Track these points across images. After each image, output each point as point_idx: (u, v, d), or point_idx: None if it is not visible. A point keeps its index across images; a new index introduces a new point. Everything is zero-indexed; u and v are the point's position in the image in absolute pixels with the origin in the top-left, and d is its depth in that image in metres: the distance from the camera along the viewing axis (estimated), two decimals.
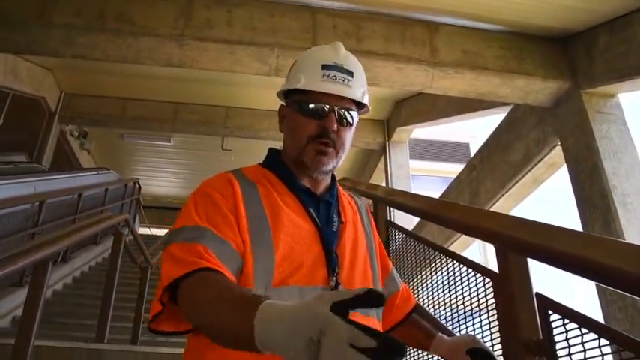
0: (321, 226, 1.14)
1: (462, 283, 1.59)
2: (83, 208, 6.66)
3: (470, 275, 1.55)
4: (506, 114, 5.61)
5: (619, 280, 0.96)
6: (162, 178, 12.11)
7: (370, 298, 0.64)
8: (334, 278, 1.09)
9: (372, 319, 1.16)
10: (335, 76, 1.14)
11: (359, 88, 1.18)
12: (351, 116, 1.17)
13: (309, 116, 1.15)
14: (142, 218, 10.89)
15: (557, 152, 4.78)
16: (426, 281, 2.06)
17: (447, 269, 1.74)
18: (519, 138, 5.20)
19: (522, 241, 1.23)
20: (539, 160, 4.94)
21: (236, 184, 1.12)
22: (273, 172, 1.20)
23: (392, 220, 3.27)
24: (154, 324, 1.01)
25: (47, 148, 8.33)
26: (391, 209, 3.68)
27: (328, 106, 1.14)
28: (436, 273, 1.86)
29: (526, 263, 1.29)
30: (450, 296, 1.68)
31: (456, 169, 7.13)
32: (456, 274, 1.64)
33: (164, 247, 1.04)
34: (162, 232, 7.31)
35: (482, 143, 5.98)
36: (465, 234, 1.51)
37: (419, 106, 7.01)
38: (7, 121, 7.36)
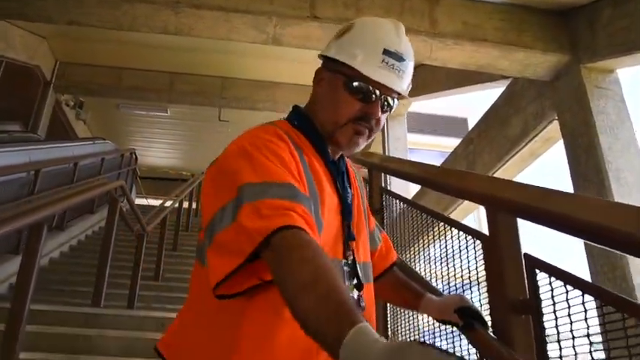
0: (344, 200, 1.13)
1: (452, 246, 1.61)
2: (79, 177, 6.64)
3: (460, 238, 1.56)
4: (504, 88, 5.58)
5: (606, 238, 0.97)
6: (159, 149, 12.08)
7: None
8: (350, 252, 1.10)
9: (370, 285, 1.18)
10: (393, 65, 1.09)
11: (407, 80, 1.14)
12: (393, 103, 1.14)
13: (354, 95, 1.10)
14: (139, 189, 10.90)
15: (555, 126, 4.77)
16: (419, 246, 2.07)
17: (439, 233, 1.75)
18: (518, 111, 5.19)
19: (512, 202, 1.24)
20: (537, 134, 4.94)
21: (290, 144, 1.06)
22: (305, 136, 1.15)
23: (388, 188, 3.28)
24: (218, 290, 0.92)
25: (42, 117, 8.28)
26: (386, 177, 3.69)
27: (378, 93, 1.10)
28: (428, 237, 1.88)
29: (515, 224, 1.30)
30: (441, 259, 1.69)
31: (453, 143, 7.11)
32: (447, 238, 1.66)
33: (238, 204, 0.91)
34: (158, 202, 7.32)
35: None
36: (459, 197, 1.53)
37: (417, 78, 6.94)
38: (1, 90, 7.29)
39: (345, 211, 1.12)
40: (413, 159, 7.73)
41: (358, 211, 1.20)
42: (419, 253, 2.06)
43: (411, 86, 1.17)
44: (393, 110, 1.16)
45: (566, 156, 4.51)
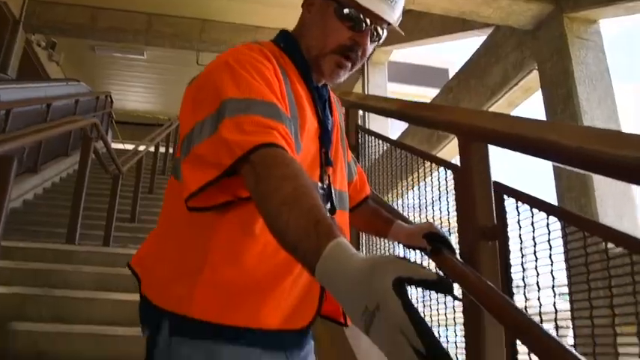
0: (324, 126, 1.11)
1: (424, 179, 1.62)
2: (52, 119, 6.47)
3: (433, 170, 1.57)
4: (486, 37, 5.54)
5: (574, 159, 0.98)
6: (136, 93, 11.82)
7: (439, 287, 0.61)
8: (327, 177, 1.10)
9: (345, 213, 1.18)
10: None
11: (399, 11, 1.11)
12: (382, 34, 1.11)
13: (344, 22, 1.06)
14: (115, 133, 10.72)
15: (534, 76, 4.77)
16: (393, 180, 2.09)
17: (412, 168, 1.76)
18: (498, 61, 5.17)
19: (484, 130, 1.25)
20: (516, 84, 4.94)
21: (275, 64, 1.03)
22: (290, 59, 1.11)
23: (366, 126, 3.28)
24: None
25: (12, 57, 7.96)
26: (365, 120, 3.67)
27: (369, 22, 1.06)
28: (402, 172, 1.89)
29: (487, 152, 1.31)
30: (413, 191, 1.71)
31: (434, 93, 7.10)
32: (419, 170, 1.67)
33: (219, 118, 0.89)
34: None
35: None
36: (433, 128, 1.53)
37: (400, 26, 6.85)
38: None
39: (325, 137, 1.11)
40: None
41: (337, 139, 1.19)
42: (393, 189, 2.08)
43: (401, 18, 1.14)
44: (381, 41, 1.14)
45: (543, 106, 4.54)
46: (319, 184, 1.08)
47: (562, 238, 1.05)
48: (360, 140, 2.51)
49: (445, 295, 0.68)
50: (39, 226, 4.82)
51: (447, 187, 1.49)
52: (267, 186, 0.81)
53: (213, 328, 0.94)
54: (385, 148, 2.33)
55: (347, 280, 0.64)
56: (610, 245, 0.92)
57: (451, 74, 10.91)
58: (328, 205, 1.11)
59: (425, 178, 1.66)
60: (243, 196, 0.94)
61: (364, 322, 0.60)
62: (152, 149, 7.25)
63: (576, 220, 1.02)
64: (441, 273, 0.66)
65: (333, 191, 1.12)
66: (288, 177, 0.81)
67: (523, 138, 1.11)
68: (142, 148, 6.47)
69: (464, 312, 1.36)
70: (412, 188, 1.79)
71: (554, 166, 3.83)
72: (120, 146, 10.43)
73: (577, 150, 0.95)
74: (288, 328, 1.01)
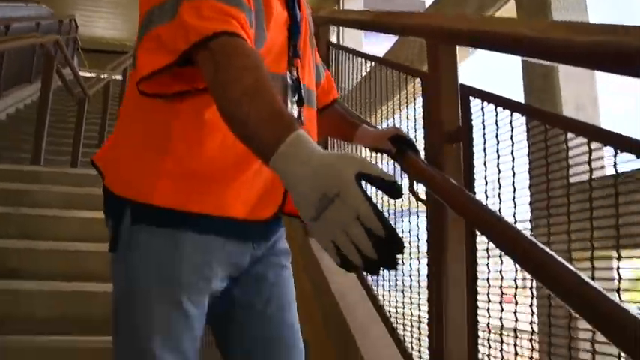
0: (293, 18, 1.07)
1: (393, 88, 1.61)
2: None
3: (402, 79, 1.56)
4: None
5: (540, 51, 0.98)
6: (102, 19, 11.27)
7: (391, 188, 0.63)
8: (294, 69, 1.07)
9: (313, 110, 1.17)
10: None
11: None
12: None
13: None
14: (82, 62, 10.30)
15: (510, 6, 4.69)
16: (364, 91, 2.07)
17: (381, 76, 1.75)
18: None
19: (450, 29, 1.24)
20: (493, 13, 4.88)
21: None
22: None
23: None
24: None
25: None
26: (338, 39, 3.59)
27: None
28: (371, 81, 1.88)
29: (454, 55, 1.30)
30: (382, 100, 1.70)
31: None
32: (388, 80, 1.66)
33: (177, 2, 0.85)
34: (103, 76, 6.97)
35: None
36: (403, 34, 1.51)
37: None
38: None
39: (293, 28, 1.08)
40: (367, 38, 7.55)
41: (305, 33, 1.16)
42: (363, 96, 2.05)
43: None
44: None
45: None
46: (288, 75, 1.06)
47: (526, 132, 1.06)
48: (331, 56, 2.46)
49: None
50: (2, 150, 4.68)
51: (414, 94, 1.48)
52: (227, 75, 0.79)
53: (175, 216, 0.95)
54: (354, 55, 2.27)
55: (306, 168, 0.65)
56: (570, 135, 0.94)
57: (427, 2, 10.63)
58: (296, 97, 1.09)
59: (394, 90, 1.65)
60: (199, 86, 0.92)
61: (316, 209, 0.62)
62: (120, 77, 7.03)
63: (539, 114, 1.03)
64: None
65: (301, 85, 1.10)
66: (249, 68, 0.79)
67: (491, 35, 1.09)
68: (105, 75, 6.25)
69: (427, 215, 1.39)
70: (384, 107, 1.79)
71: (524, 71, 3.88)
72: (87, 74, 10.05)
73: (546, 41, 0.94)
74: (253, 219, 1.02)
